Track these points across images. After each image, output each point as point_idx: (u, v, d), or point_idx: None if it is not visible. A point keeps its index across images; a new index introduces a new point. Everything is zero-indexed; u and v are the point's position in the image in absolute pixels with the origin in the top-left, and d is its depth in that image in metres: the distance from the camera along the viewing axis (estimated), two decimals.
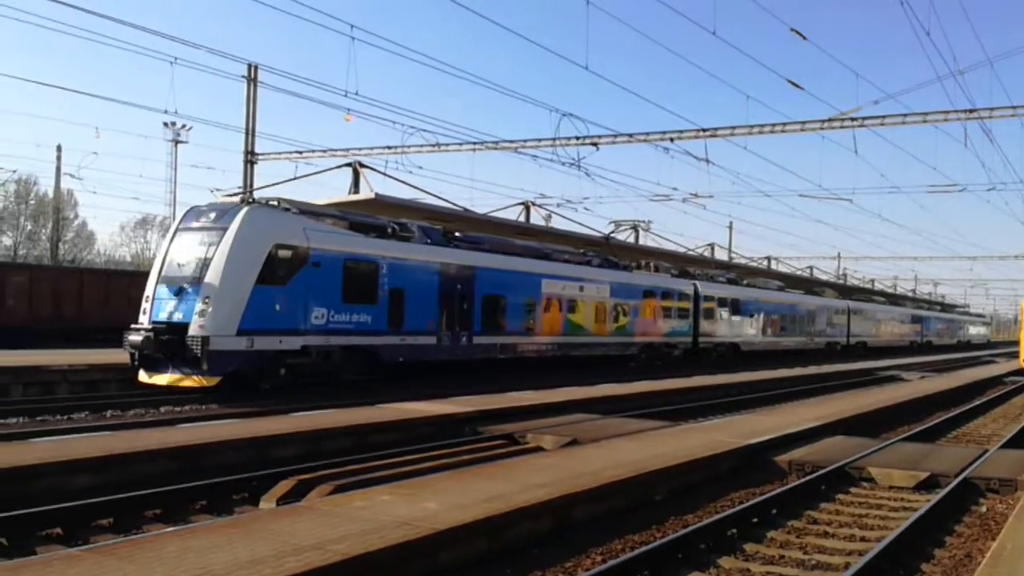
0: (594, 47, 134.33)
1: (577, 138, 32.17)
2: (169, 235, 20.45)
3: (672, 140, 31.84)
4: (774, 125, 30.69)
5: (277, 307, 19.14)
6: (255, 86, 32.00)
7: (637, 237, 49.87)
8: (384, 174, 34.74)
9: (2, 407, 15.79)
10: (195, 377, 18.09)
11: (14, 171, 65.23)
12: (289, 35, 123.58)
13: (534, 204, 38.56)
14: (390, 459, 11.52)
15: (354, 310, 21.20)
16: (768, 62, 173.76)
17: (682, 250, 50.24)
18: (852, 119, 29.02)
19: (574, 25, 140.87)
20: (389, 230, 23.00)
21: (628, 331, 33.59)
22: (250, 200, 20.94)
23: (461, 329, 24.76)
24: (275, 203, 21.03)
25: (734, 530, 8.78)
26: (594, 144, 32.34)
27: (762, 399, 23.49)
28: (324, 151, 35.63)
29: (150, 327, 18.56)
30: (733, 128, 30.90)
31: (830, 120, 29.45)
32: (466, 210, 35.68)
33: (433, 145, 33.97)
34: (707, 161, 33.31)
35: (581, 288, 30.38)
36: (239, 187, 32.42)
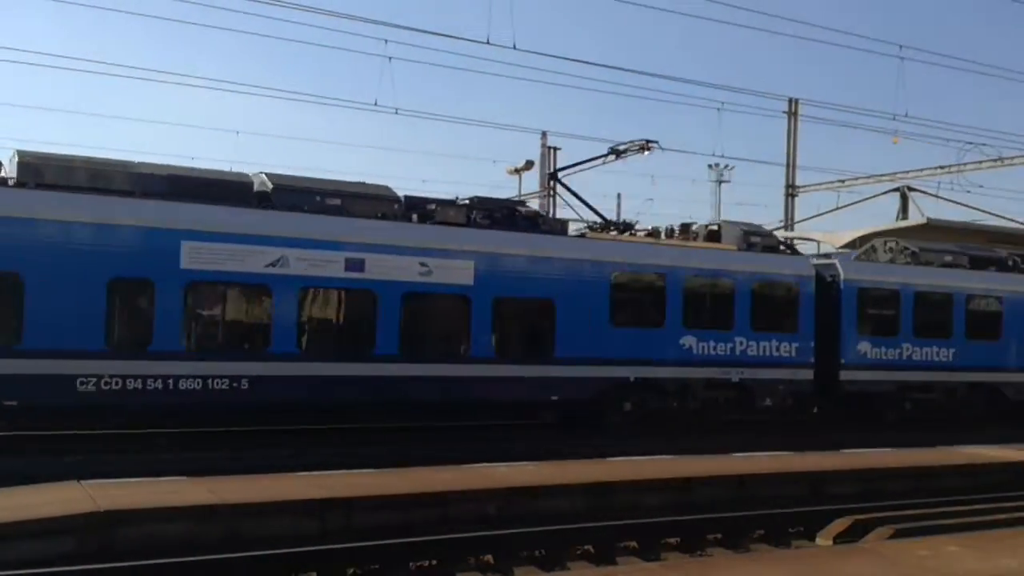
0: None
1: None
2: None
3: None
4: None
5: None
6: (796, 120, 32.25)
7: None
8: (936, 196, 32.35)
9: None
10: None
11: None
12: (831, 65, 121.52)
13: None
14: (954, 507, 10.67)
15: None
16: None
17: None
18: None
19: None
20: None
21: None
22: None
23: None
24: None
25: None
26: None
27: None
28: (868, 177, 34.33)
29: None
30: None
31: None
32: None
33: (995, 160, 30.68)
34: None
35: None
36: (780, 221, 32.84)
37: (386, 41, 26.47)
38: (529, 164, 34.63)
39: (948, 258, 21.36)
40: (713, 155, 49.83)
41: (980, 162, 30.86)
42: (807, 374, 18.80)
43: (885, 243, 22.06)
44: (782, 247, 20.00)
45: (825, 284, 19.49)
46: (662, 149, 19.69)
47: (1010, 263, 22.31)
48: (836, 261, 20.25)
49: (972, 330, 20.87)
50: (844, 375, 19.37)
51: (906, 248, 21.54)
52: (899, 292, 20.03)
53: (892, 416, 20.05)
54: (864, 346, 19.56)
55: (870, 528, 9.34)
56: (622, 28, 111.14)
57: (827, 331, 19.15)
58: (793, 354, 18.61)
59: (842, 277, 19.53)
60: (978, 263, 21.78)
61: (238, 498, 8.80)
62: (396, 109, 24.31)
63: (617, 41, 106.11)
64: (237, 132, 51.70)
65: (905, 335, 20.03)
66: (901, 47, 25.04)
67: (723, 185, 60.87)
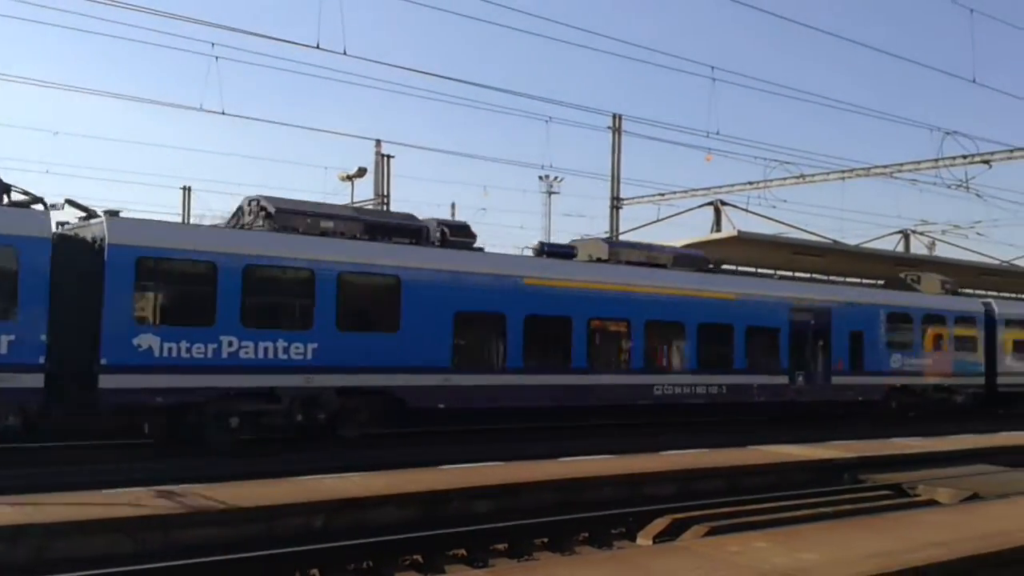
0: (980, 58, 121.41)
1: (964, 156, 29.44)
2: None
3: None
4: None
5: None
6: (619, 135, 33.39)
7: (907, 246, 41.67)
8: (746, 210, 34.46)
9: None
10: None
11: None
12: (651, 83, 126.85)
13: (915, 232, 35.75)
14: (763, 504, 11.33)
15: None
16: None
17: None
18: None
19: (955, 37, 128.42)
20: None
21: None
22: None
23: None
24: None
25: None
26: (985, 162, 29.35)
27: None
28: (685, 191, 36.11)
29: None
30: None
31: None
32: (836, 242, 34.14)
33: (797, 177, 32.95)
34: None
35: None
36: (605, 232, 33.94)
37: (213, 44, 25.51)
38: (362, 171, 34.32)
39: (329, 224, 16.41)
40: (543, 167, 50.94)
41: (784, 179, 33.08)
42: (33, 380, 13.08)
43: (250, 202, 16.80)
44: None
45: (88, 252, 14.20)
46: None
47: (438, 235, 17.81)
48: (103, 221, 14.24)
49: (348, 318, 16.03)
50: (105, 381, 13.68)
51: (263, 209, 16.28)
52: (216, 265, 14.73)
53: (217, 440, 14.70)
54: (148, 339, 14.05)
55: (688, 527, 9.76)
56: (453, 40, 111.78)
57: (84, 317, 13.90)
58: (4, 352, 12.95)
59: (109, 242, 13.88)
60: (376, 230, 16.90)
61: (47, 517, 8.24)
62: (223, 110, 23.32)
63: (451, 52, 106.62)
64: (56, 132, 48.24)
65: (228, 324, 14.78)
66: (713, 68, 26.51)
67: (553, 196, 62.39)
